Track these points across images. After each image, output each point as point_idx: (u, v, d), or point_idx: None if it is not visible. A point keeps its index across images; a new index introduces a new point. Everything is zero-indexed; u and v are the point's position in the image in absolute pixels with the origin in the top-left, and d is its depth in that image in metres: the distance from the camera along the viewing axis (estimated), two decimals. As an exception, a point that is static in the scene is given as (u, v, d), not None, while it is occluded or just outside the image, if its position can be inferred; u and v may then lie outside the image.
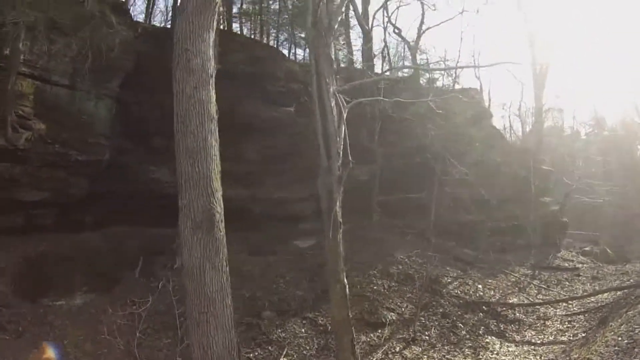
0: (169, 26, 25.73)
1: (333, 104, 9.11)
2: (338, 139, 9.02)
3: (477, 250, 23.44)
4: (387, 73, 24.15)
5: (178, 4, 22.66)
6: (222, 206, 8.53)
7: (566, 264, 25.73)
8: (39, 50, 16.28)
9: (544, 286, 21.69)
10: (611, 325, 14.37)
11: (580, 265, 25.64)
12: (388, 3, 25.34)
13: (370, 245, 20.82)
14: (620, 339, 12.21)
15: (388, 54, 29.96)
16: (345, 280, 8.99)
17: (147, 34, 21.45)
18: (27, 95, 16.30)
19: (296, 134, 21.68)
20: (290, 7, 25.26)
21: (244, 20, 26.44)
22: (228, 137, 20.32)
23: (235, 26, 26.98)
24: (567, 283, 22.67)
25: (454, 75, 28.86)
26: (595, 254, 27.83)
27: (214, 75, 8.70)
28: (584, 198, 30.96)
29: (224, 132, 19.93)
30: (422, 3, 27.10)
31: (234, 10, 26.31)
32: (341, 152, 9.19)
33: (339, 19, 9.31)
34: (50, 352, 12.36)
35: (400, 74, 27.17)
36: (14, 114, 15.73)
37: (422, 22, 27.96)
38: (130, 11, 24.16)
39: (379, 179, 23.11)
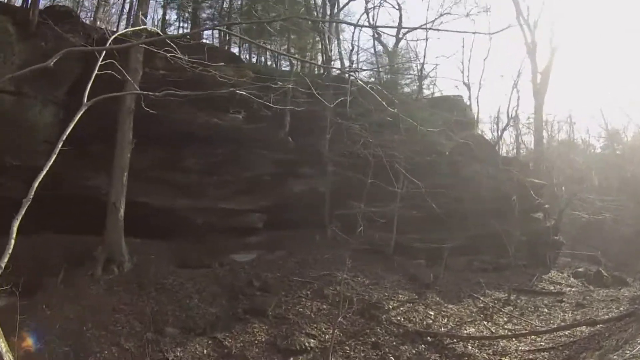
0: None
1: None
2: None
3: (447, 271, 19.83)
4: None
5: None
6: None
7: (551, 287, 21.69)
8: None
9: (516, 314, 17.91)
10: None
11: (567, 289, 21.55)
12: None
13: (315, 262, 17.75)
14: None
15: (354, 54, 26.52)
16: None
17: (102, 40, 19.15)
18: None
19: (241, 142, 18.86)
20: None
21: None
22: (165, 144, 18.39)
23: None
24: (545, 310, 18.79)
25: (424, 78, 25.08)
26: (588, 276, 23.52)
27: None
28: (583, 215, 26.58)
29: (160, 139, 18.14)
30: (398, 5, 23.81)
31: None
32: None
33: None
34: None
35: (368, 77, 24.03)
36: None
37: (399, 26, 24.69)
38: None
39: (330, 190, 19.91)
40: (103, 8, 24.90)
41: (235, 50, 23.54)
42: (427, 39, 26.28)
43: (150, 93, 9.05)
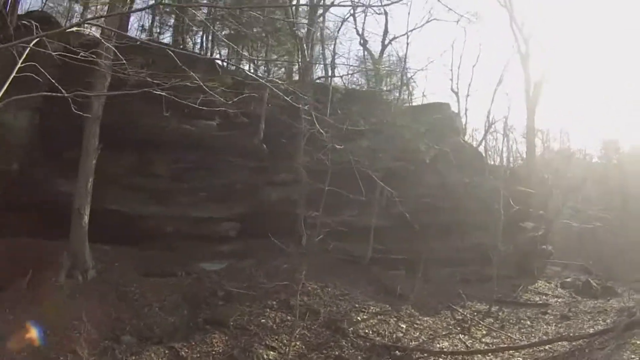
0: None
1: None
2: None
3: (427, 282, 18.92)
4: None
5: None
6: None
7: (537, 298, 20.73)
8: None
9: (496, 327, 16.90)
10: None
11: (553, 300, 20.51)
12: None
13: (285, 272, 16.74)
14: None
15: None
16: None
17: (81, 46, 18.72)
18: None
19: (214, 149, 18.21)
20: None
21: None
22: (137, 151, 17.78)
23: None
24: (527, 323, 17.76)
25: (405, 84, 24.22)
26: (576, 287, 22.42)
27: None
28: (573, 223, 25.49)
29: (132, 145, 17.53)
30: (385, 11, 23.05)
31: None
32: None
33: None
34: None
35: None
36: None
37: (385, 32, 23.85)
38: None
39: (305, 199, 18.85)
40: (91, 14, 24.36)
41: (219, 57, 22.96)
42: (408, 44, 25.91)
43: (67, 94, 8.44)
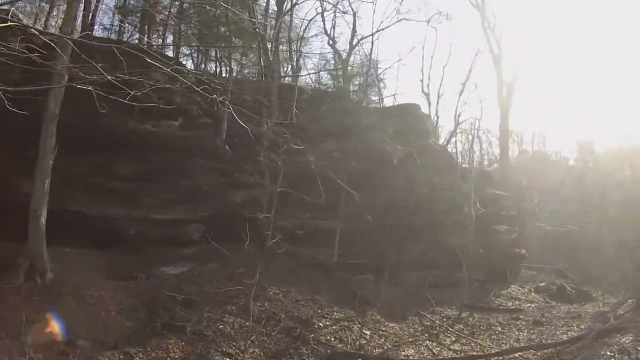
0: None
1: None
2: None
3: (396, 287, 18.51)
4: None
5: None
6: None
7: (509, 304, 20.31)
8: None
9: (465, 333, 16.43)
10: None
11: (526, 306, 20.15)
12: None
13: (247, 276, 16.10)
14: None
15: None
16: None
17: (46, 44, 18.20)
18: None
19: (178, 150, 17.72)
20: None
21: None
22: (99, 151, 17.23)
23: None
24: (499, 329, 17.31)
25: (370, 85, 23.90)
26: (550, 291, 22.05)
27: None
28: (547, 226, 25.22)
29: (94, 145, 17.00)
30: (353, 11, 22.68)
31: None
32: None
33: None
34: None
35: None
36: None
37: (354, 32, 23.46)
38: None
39: (269, 202, 18.29)
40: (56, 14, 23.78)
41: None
42: (373, 42, 25.73)
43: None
